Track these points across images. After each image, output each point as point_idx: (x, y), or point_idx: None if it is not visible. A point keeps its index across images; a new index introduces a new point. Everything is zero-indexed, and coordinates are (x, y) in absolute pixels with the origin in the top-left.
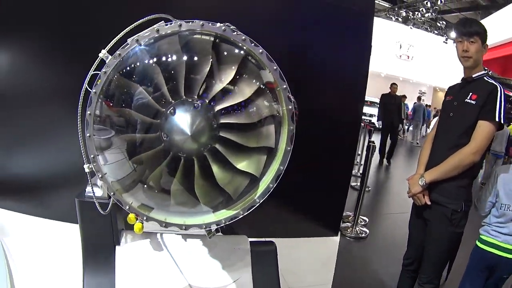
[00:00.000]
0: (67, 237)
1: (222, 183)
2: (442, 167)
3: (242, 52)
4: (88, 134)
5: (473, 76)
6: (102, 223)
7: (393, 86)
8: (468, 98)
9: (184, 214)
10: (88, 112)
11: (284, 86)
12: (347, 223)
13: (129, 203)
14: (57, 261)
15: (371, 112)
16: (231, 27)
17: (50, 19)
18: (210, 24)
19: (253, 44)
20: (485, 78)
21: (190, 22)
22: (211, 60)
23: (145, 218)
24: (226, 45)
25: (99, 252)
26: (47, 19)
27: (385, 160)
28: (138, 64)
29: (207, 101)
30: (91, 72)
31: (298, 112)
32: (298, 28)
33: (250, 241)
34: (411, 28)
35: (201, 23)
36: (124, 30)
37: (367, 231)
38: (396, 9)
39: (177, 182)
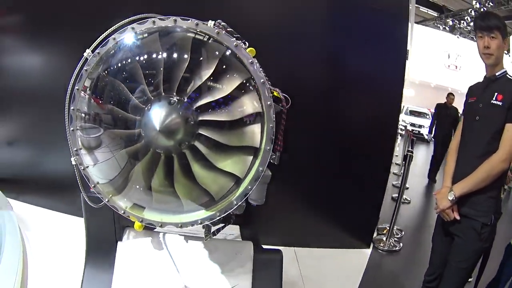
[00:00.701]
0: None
1: (203, 182)
2: (471, 178)
3: (221, 48)
4: (72, 128)
5: (496, 74)
6: (105, 218)
7: (450, 96)
8: (494, 99)
9: (164, 212)
10: (72, 108)
11: (262, 81)
12: (382, 236)
13: (124, 207)
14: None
15: (420, 122)
16: (221, 24)
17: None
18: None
19: (233, 38)
20: (507, 75)
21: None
22: (188, 57)
23: (141, 220)
24: (207, 42)
25: (101, 247)
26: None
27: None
28: (121, 62)
29: (186, 98)
30: (76, 71)
31: (286, 110)
32: (333, 31)
33: (256, 248)
34: (458, 37)
35: (195, 22)
36: (109, 30)
37: (401, 244)
38: (443, 18)
39: (156, 180)
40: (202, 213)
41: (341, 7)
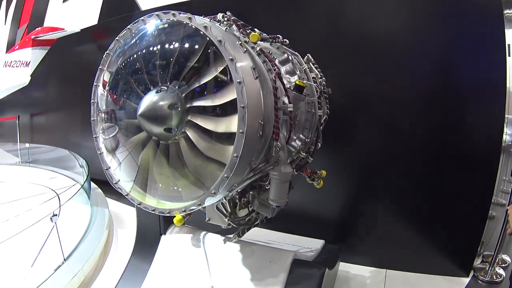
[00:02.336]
0: None
1: (195, 170)
2: None
3: (205, 40)
4: (92, 119)
5: None
6: (153, 214)
7: None
8: None
9: (161, 198)
10: (92, 101)
11: (230, 58)
12: (485, 263)
13: (128, 191)
14: None
15: None
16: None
17: None
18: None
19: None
20: None
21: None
22: (178, 48)
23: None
24: (193, 35)
25: (147, 238)
26: None
27: None
28: (131, 55)
29: (175, 87)
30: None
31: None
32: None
33: (300, 260)
34: None
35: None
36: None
37: (503, 274)
38: None
39: (153, 167)
40: (188, 202)
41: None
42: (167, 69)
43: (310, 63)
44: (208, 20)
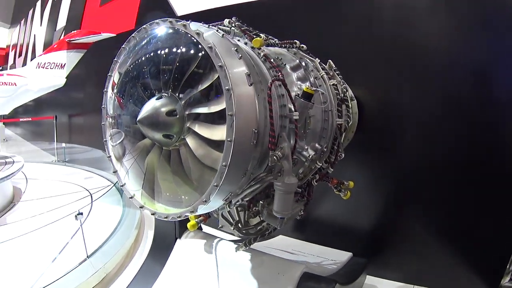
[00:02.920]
0: None
1: (194, 177)
2: None
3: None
4: (102, 123)
5: None
6: None
7: None
8: None
9: (161, 202)
10: (103, 106)
11: (219, 65)
12: None
13: (132, 194)
14: None
15: None
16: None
17: None
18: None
19: (210, 41)
20: None
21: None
22: (176, 55)
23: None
24: (188, 42)
25: (164, 241)
26: None
27: None
28: (136, 61)
29: (176, 94)
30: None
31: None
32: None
33: (310, 274)
34: None
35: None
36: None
37: None
38: None
39: (157, 172)
40: (183, 209)
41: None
42: (168, 76)
43: (332, 70)
44: (207, 26)
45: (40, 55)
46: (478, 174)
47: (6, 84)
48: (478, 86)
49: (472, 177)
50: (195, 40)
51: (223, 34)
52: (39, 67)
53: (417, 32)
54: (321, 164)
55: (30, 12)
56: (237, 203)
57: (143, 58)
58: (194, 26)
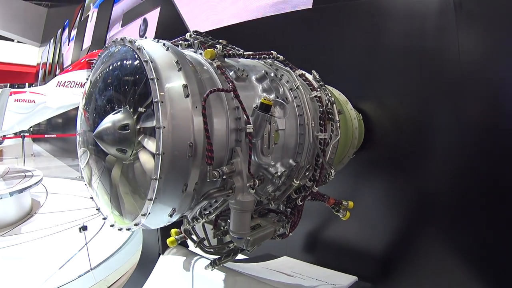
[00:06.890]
0: None
1: (144, 191)
2: None
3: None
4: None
5: None
6: (155, 234)
7: None
8: None
9: (117, 213)
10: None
11: (151, 77)
12: None
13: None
14: None
15: None
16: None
17: None
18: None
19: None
20: None
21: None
22: (128, 71)
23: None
24: (134, 58)
25: (149, 257)
26: None
27: None
28: (98, 77)
29: (131, 110)
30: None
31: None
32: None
33: None
34: None
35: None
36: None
37: None
38: None
39: (119, 184)
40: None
41: None
42: (123, 91)
43: (316, 81)
44: (155, 41)
45: (60, 73)
46: (503, 197)
47: (26, 102)
48: (506, 107)
49: (495, 201)
50: (136, 56)
51: (168, 47)
52: (59, 86)
53: (431, 44)
54: (298, 182)
55: (59, 32)
56: (200, 220)
57: (103, 74)
58: (146, 42)
